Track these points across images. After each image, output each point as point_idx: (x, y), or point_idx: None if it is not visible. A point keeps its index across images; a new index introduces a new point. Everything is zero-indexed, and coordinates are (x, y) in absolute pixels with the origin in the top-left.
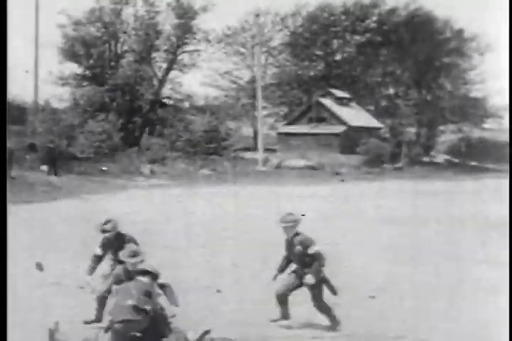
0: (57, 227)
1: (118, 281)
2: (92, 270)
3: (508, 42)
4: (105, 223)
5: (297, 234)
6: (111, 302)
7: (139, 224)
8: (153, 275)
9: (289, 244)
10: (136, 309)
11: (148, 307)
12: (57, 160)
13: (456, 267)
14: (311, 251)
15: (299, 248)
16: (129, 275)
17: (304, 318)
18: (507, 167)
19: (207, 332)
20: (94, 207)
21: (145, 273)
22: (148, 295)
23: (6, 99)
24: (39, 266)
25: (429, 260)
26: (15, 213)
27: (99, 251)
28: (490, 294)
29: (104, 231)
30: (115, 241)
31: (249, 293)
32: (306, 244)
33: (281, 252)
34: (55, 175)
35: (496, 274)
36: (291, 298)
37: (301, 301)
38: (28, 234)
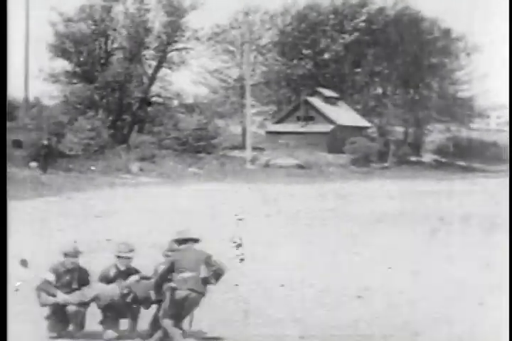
0: (45, 224)
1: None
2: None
3: (501, 43)
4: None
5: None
6: None
7: (127, 222)
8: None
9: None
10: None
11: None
12: (48, 157)
13: (447, 267)
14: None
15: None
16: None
17: None
18: (494, 167)
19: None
20: (82, 204)
21: (189, 240)
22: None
23: (6, 99)
24: (24, 263)
25: (418, 259)
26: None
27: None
28: (487, 294)
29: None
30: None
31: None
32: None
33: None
34: (45, 172)
35: (486, 274)
36: None
37: None
38: (15, 231)
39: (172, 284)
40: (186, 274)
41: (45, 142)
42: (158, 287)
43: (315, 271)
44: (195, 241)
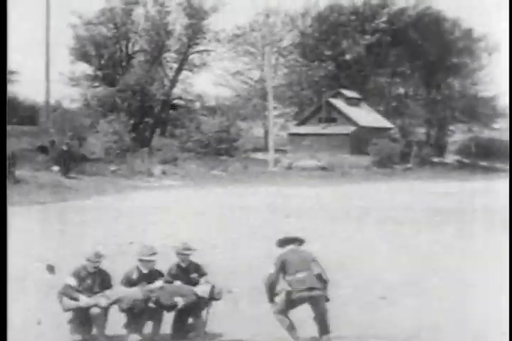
0: (68, 228)
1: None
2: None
3: (508, 43)
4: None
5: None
6: None
7: (150, 225)
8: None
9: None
10: (318, 277)
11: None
12: (69, 162)
13: (466, 267)
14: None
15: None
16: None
17: None
18: None
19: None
20: (105, 208)
21: (294, 240)
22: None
23: (6, 99)
24: (50, 269)
25: (440, 260)
26: (25, 214)
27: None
28: (494, 295)
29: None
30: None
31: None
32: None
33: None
34: (66, 176)
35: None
36: None
37: None
38: (39, 235)
39: (287, 288)
40: (301, 274)
41: (65, 147)
42: (271, 289)
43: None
44: (301, 242)
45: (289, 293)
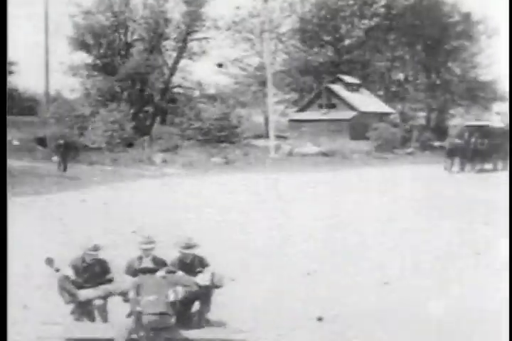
0: (69, 218)
1: (131, 272)
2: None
3: (508, 26)
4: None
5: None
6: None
7: (152, 213)
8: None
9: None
10: (172, 304)
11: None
12: (67, 156)
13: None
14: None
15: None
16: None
17: None
18: None
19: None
20: (106, 197)
21: (152, 270)
22: (177, 284)
23: (6, 99)
24: (50, 262)
25: (438, 248)
26: (25, 204)
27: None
28: (493, 291)
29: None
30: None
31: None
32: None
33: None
34: (64, 170)
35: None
36: None
37: None
38: (39, 226)
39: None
40: (152, 298)
41: (61, 141)
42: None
43: None
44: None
45: (139, 314)
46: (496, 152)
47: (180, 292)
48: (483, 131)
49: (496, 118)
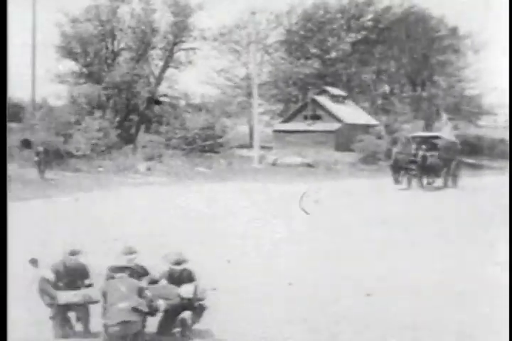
0: (51, 225)
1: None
2: None
3: (507, 41)
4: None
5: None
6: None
7: (135, 222)
8: (133, 270)
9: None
10: (135, 310)
11: (144, 309)
12: (45, 163)
13: (454, 265)
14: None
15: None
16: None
17: None
18: (503, 164)
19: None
20: (89, 204)
21: (123, 269)
22: (141, 293)
23: (6, 99)
24: (34, 263)
25: (426, 257)
26: (10, 211)
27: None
28: (490, 293)
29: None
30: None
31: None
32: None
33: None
34: (42, 177)
35: (495, 273)
36: None
37: None
38: (23, 233)
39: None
40: (122, 305)
41: (41, 148)
42: None
43: None
44: (132, 271)
45: (104, 326)
46: (447, 167)
47: (163, 305)
48: (432, 143)
49: (446, 128)
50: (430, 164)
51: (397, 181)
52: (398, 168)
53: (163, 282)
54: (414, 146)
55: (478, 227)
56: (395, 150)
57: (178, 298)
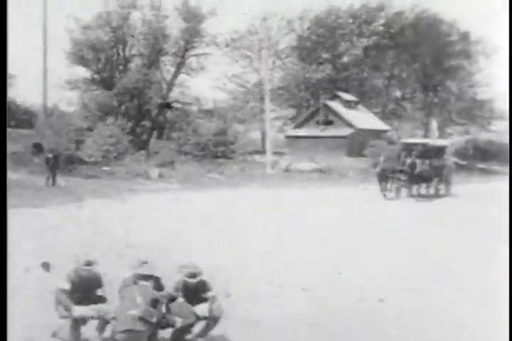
0: (64, 231)
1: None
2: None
3: (508, 45)
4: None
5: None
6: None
7: (147, 228)
8: (156, 280)
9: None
10: (142, 319)
11: (153, 320)
12: (56, 169)
13: (459, 270)
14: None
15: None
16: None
17: None
18: None
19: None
20: (102, 211)
21: (148, 277)
22: (155, 304)
23: (6, 100)
24: (45, 267)
25: (432, 262)
26: (22, 217)
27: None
28: (490, 295)
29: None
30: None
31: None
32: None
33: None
34: (53, 185)
35: (495, 277)
36: None
37: None
38: (35, 239)
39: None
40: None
41: (50, 155)
42: None
43: None
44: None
45: (113, 332)
46: (438, 175)
47: (179, 322)
48: (422, 151)
49: (434, 134)
50: (420, 172)
51: (384, 190)
52: (386, 177)
53: (180, 300)
54: (403, 153)
55: (475, 234)
56: (381, 158)
57: (194, 317)
